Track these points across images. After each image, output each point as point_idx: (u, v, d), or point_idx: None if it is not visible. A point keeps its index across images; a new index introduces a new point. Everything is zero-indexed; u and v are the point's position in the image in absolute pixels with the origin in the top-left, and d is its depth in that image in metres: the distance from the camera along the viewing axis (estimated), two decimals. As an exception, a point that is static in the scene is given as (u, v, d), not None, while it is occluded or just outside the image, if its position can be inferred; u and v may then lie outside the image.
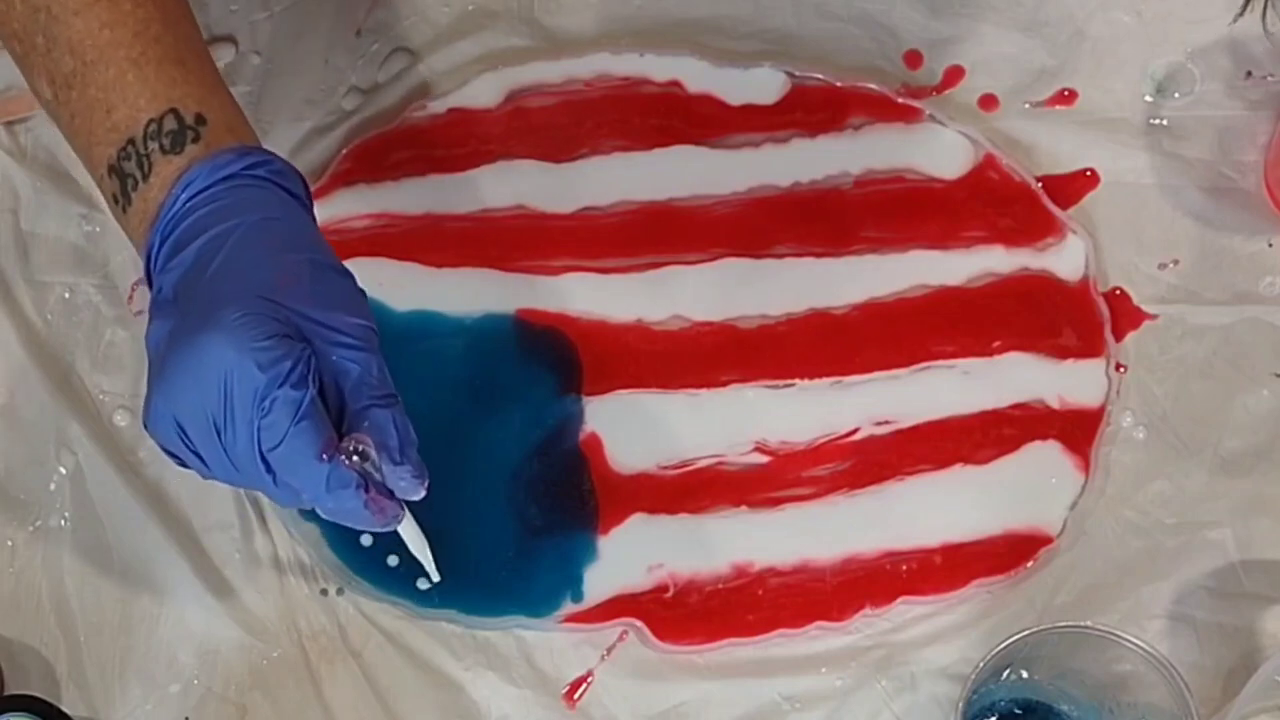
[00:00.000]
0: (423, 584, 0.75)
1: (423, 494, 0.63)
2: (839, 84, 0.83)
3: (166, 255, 0.63)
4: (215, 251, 0.61)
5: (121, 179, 0.64)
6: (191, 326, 0.59)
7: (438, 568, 0.70)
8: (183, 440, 0.60)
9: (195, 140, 0.64)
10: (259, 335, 0.58)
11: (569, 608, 0.76)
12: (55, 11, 0.65)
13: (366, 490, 0.61)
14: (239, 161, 0.63)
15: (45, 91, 0.66)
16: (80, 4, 0.65)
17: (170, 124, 0.64)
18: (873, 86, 0.83)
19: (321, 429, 0.59)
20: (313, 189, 0.71)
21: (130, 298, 0.81)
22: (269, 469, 0.60)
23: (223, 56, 0.85)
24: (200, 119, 0.64)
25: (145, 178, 0.64)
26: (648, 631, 0.76)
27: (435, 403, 0.77)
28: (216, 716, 0.75)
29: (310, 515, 0.78)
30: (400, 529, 0.66)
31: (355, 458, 0.60)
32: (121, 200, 0.65)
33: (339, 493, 0.60)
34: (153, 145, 0.64)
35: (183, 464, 0.62)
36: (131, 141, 0.64)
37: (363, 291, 0.64)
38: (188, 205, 0.63)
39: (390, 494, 0.63)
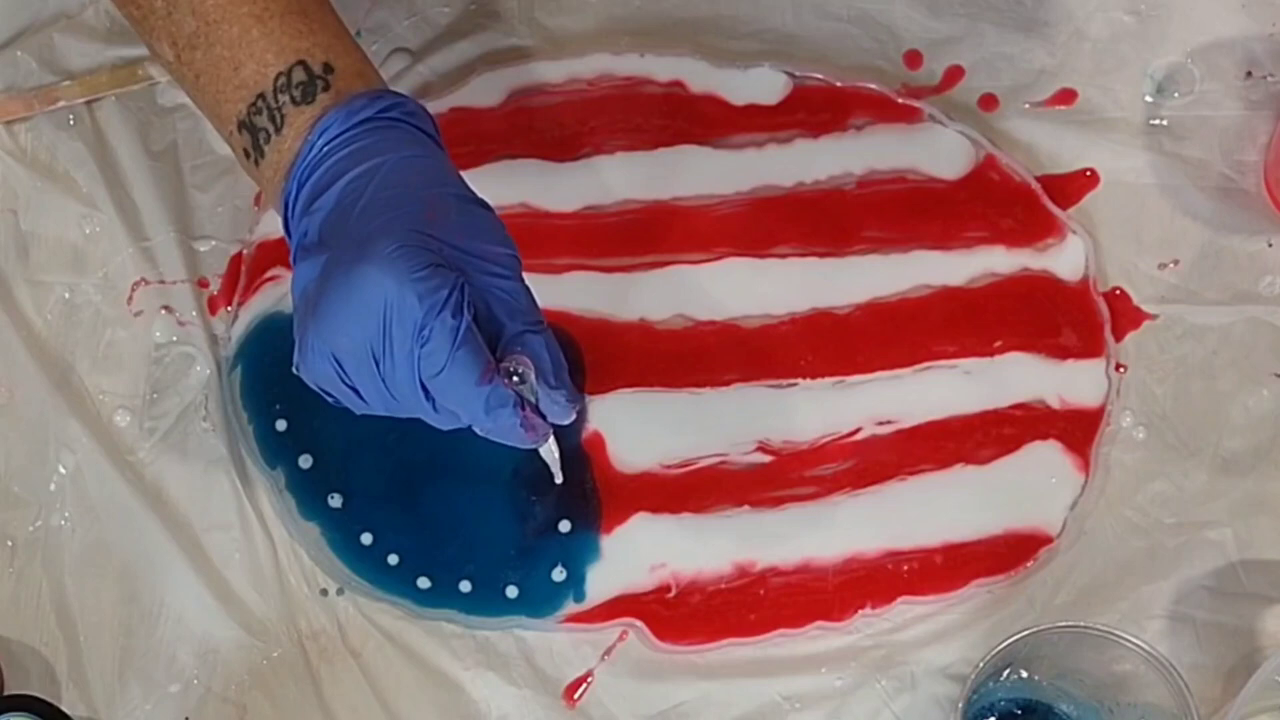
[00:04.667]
0: (558, 478, 0.73)
1: (573, 418, 0.64)
2: (839, 84, 0.83)
3: (306, 200, 0.63)
4: (360, 191, 0.62)
5: (253, 133, 0.64)
6: (346, 260, 0.60)
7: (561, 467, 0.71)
8: (339, 375, 0.61)
9: (325, 89, 0.64)
10: (415, 266, 0.59)
11: (571, 607, 0.76)
12: None
13: (522, 409, 0.62)
14: (373, 106, 0.64)
15: (167, 54, 0.66)
16: None
17: (299, 75, 0.64)
18: (873, 87, 0.83)
19: (480, 354, 0.60)
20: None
21: (130, 298, 0.81)
22: (428, 396, 0.61)
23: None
24: (328, 68, 0.64)
25: (278, 130, 0.64)
26: (648, 631, 0.76)
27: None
28: (216, 716, 0.75)
29: (310, 515, 0.77)
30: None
31: (514, 378, 0.62)
32: (254, 154, 0.65)
33: (497, 411, 0.61)
34: (283, 98, 0.64)
35: (335, 400, 0.62)
36: (261, 96, 0.64)
37: (504, 224, 0.64)
38: (325, 150, 0.63)
39: (541, 415, 0.64)
